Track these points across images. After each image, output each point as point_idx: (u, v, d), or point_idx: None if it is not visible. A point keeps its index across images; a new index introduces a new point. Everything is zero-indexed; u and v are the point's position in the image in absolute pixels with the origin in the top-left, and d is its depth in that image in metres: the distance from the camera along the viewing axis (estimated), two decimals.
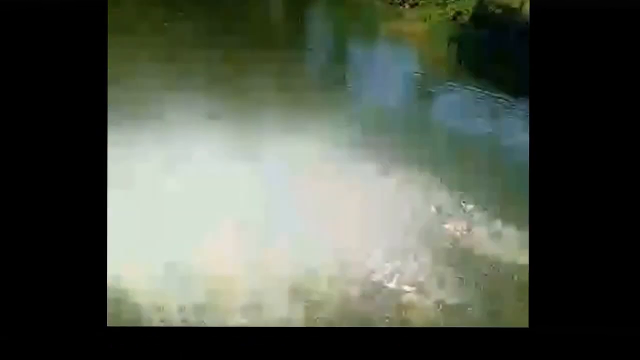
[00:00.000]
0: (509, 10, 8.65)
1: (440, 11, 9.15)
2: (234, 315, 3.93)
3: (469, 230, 4.85)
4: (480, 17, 8.74)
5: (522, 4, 8.43)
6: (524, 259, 4.32)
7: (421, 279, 4.32)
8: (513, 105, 6.95)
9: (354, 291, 4.18)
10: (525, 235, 4.64)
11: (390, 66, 7.97)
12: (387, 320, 3.98)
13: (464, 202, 5.12)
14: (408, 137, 6.01)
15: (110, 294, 2.88)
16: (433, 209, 5.03)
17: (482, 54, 8.17)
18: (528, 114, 6.09)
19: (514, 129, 6.44)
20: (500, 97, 7.10)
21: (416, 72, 7.89)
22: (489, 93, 7.22)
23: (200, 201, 4.73)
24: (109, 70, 2.59)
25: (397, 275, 4.32)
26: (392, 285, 4.25)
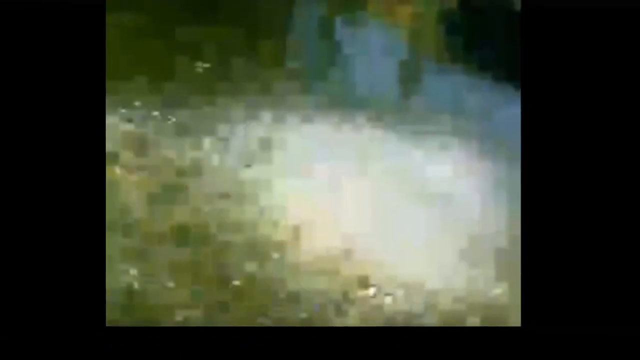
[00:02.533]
0: None
1: None
2: None
3: None
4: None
5: None
6: None
7: None
8: (503, 88, 7.02)
9: None
10: None
11: (377, 48, 7.99)
12: None
13: None
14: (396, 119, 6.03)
15: None
16: None
17: (471, 36, 8.20)
18: (515, 99, 6.28)
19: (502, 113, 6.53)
20: (488, 80, 7.16)
21: (403, 55, 7.95)
22: (477, 76, 7.27)
23: None
24: None
25: None
26: None
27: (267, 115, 5.50)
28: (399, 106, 6.42)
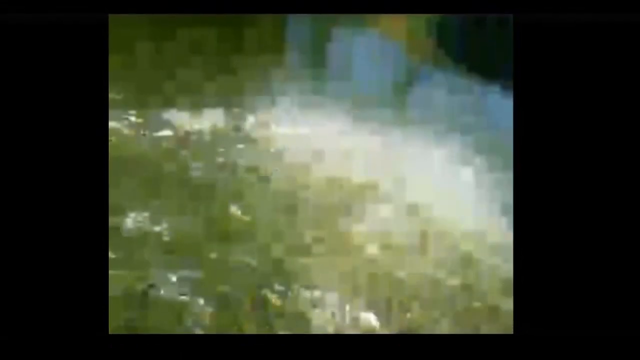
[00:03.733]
0: None
1: None
2: None
3: None
4: None
5: None
6: None
7: None
8: (493, 91, 7.05)
9: None
10: None
11: (369, 53, 8.02)
12: None
13: None
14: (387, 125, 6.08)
15: None
16: None
17: (463, 40, 8.23)
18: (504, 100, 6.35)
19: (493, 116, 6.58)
20: (480, 84, 7.19)
21: (396, 59, 7.99)
22: (470, 80, 7.30)
23: None
24: None
25: None
26: None
27: None
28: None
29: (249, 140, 5.50)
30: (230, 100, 6.05)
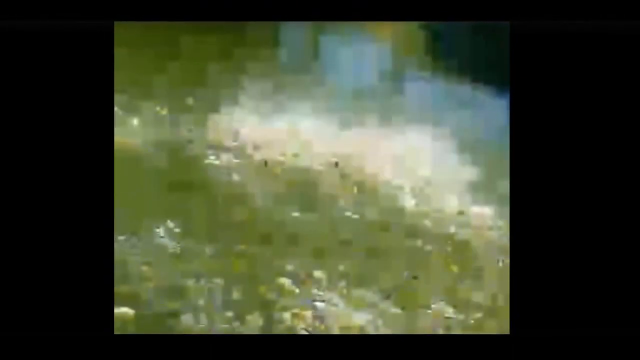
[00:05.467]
0: None
1: None
2: None
3: None
4: None
5: None
6: None
7: None
8: (487, 95, 7.08)
9: None
10: None
11: (362, 56, 8.06)
12: None
13: None
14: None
15: None
16: None
17: (456, 45, 8.25)
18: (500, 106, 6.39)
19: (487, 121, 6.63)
20: (473, 88, 7.23)
21: (388, 62, 8.04)
22: (462, 84, 7.34)
23: None
24: None
25: None
26: None
27: None
28: None
29: None
30: None
